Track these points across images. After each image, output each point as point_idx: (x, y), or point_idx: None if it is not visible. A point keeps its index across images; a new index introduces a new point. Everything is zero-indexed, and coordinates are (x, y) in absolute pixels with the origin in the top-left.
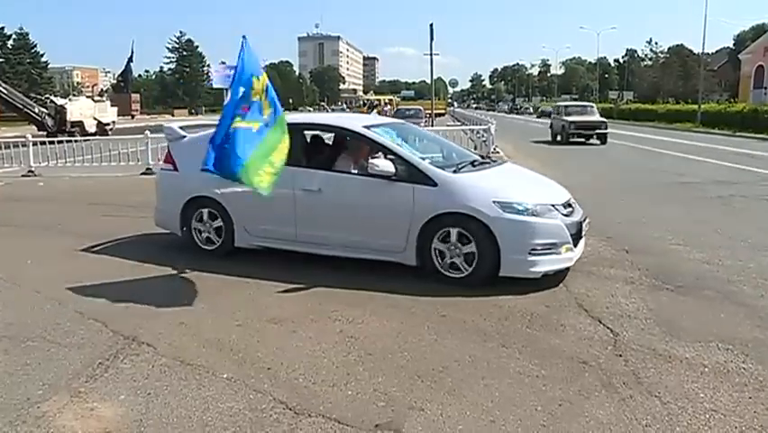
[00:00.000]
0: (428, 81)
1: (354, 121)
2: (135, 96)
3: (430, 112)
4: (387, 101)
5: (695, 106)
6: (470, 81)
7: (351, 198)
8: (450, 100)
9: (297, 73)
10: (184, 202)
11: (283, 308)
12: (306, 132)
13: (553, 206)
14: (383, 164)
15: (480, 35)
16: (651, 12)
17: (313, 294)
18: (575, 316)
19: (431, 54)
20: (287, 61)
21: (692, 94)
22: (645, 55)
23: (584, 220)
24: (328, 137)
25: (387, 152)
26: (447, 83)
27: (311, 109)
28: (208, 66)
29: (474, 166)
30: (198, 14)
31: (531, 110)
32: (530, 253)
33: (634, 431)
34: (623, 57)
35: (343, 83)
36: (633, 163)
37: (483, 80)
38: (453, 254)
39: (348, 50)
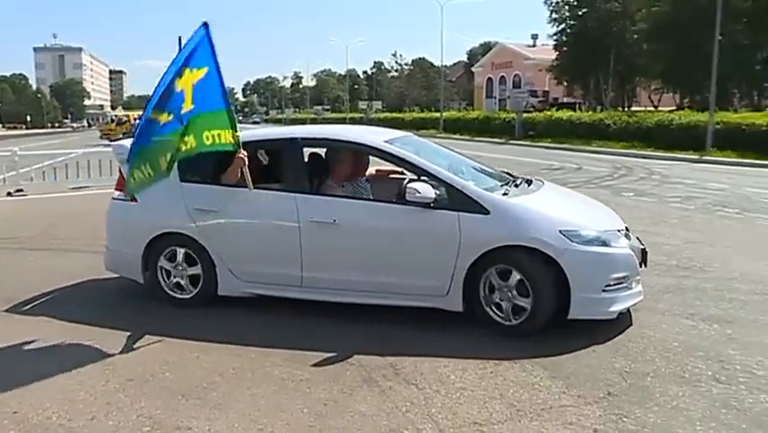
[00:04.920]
0: None
1: (368, 135)
2: None
3: None
4: (137, 117)
5: (438, 114)
6: None
7: (377, 230)
8: None
9: (33, 87)
10: (148, 240)
11: (27, 340)
12: (305, 148)
13: (618, 231)
14: (424, 189)
15: (231, 48)
16: (395, 26)
17: (62, 322)
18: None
19: None
20: (21, 74)
21: (435, 102)
22: (392, 67)
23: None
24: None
25: (420, 172)
26: None
27: (51, 125)
28: None
29: (518, 187)
30: None
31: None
32: (604, 290)
33: (395, 418)
34: (371, 69)
35: (89, 98)
36: None
37: (236, 93)
38: (511, 296)
39: (92, 62)
